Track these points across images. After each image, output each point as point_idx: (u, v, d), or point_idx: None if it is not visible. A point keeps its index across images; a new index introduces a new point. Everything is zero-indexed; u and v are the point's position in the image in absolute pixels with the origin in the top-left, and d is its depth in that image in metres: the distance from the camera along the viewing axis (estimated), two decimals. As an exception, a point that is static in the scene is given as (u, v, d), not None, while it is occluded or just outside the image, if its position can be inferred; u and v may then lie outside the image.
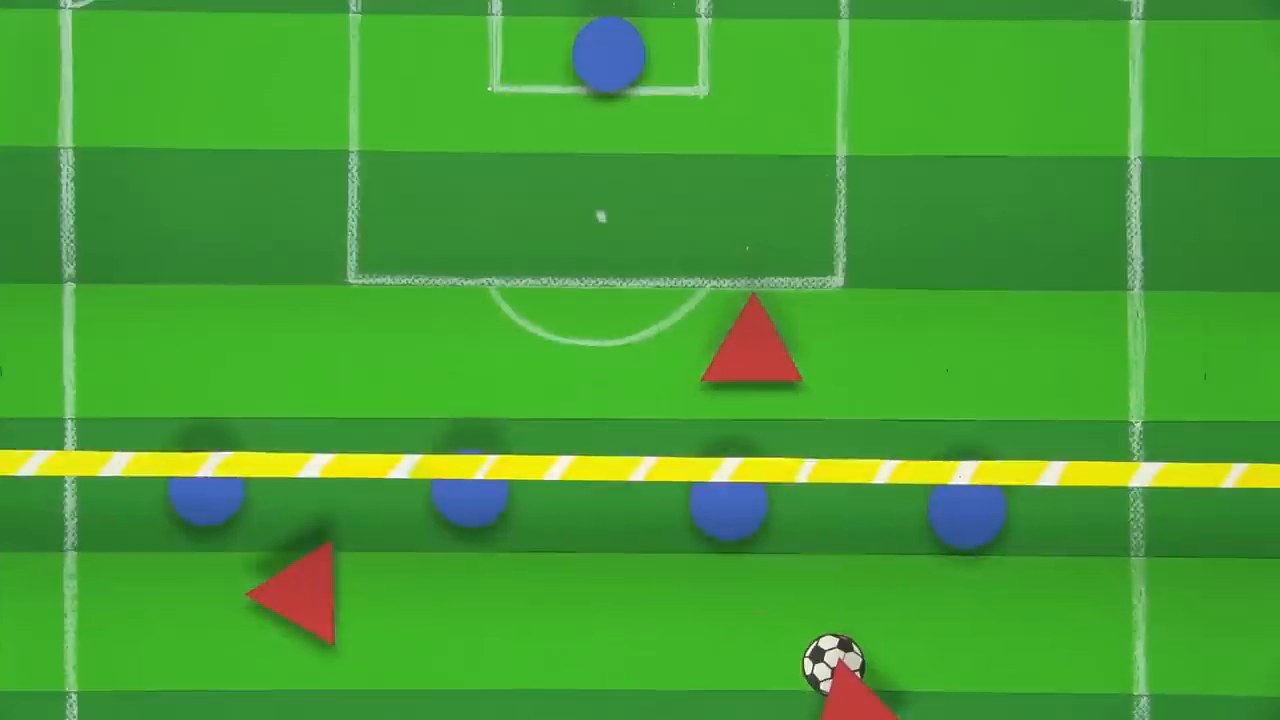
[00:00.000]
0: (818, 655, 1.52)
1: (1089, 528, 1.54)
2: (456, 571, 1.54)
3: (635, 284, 1.54)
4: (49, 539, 1.54)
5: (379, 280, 1.54)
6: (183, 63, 1.53)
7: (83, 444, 1.53)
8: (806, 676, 1.52)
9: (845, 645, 1.48)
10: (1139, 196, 1.54)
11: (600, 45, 1.53)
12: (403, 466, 1.43)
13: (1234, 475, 1.41)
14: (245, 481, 1.53)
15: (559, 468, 1.44)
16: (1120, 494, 1.54)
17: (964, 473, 1.42)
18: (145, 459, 1.43)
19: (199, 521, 1.53)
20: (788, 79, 1.54)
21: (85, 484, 1.54)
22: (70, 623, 1.54)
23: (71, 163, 1.53)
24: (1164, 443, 1.54)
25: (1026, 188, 1.54)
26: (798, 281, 1.54)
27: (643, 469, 1.44)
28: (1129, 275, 1.54)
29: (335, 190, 1.54)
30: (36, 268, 1.53)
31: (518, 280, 1.54)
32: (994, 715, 1.54)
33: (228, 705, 1.53)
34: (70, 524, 1.54)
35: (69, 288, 1.53)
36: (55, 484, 1.54)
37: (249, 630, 1.54)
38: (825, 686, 1.51)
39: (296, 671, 1.54)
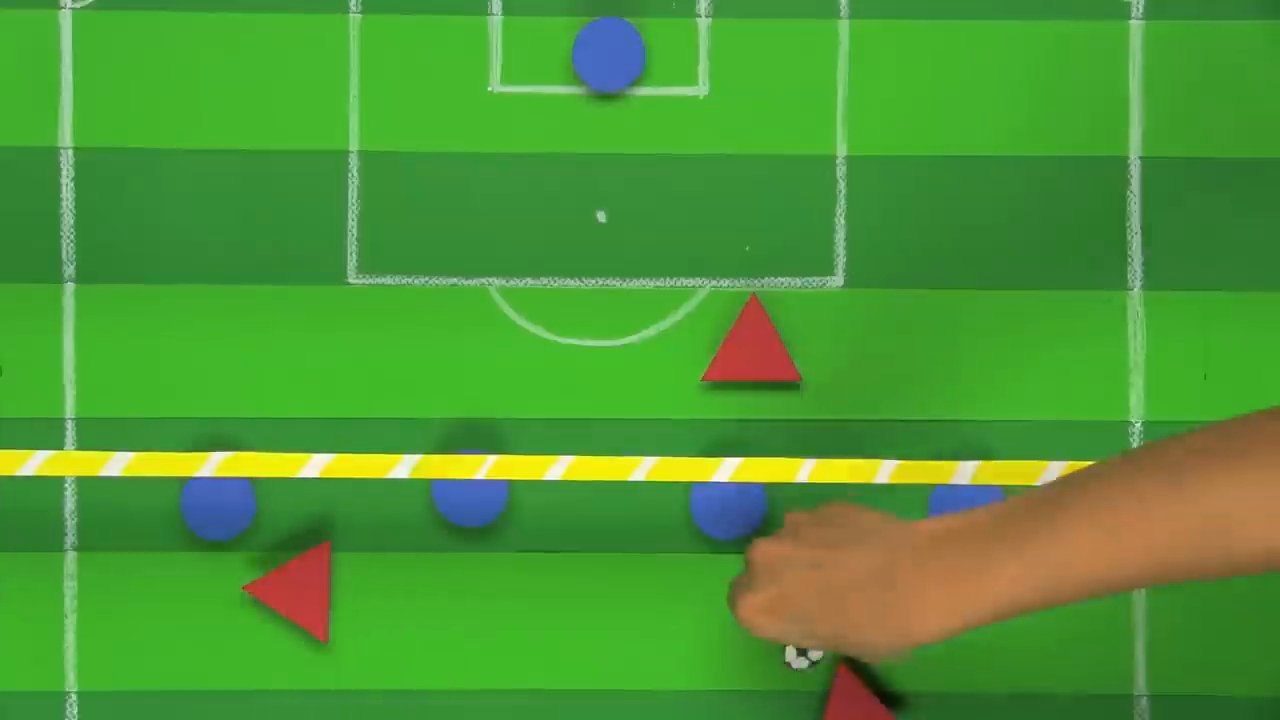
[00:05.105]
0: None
1: (1089, 528, 1.54)
2: (456, 571, 1.54)
3: (635, 284, 1.54)
4: (49, 539, 1.54)
5: (379, 280, 1.54)
6: (183, 63, 1.53)
7: (83, 444, 1.53)
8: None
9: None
10: (1139, 196, 1.54)
11: (600, 45, 1.53)
12: (403, 466, 1.43)
13: (1234, 475, 1.41)
14: (257, 496, 1.53)
15: (559, 468, 1.44)
16: (1120, 494, 1.54)
17: (964, 473, 1.42)
18: (145, 459, 1.43)
19: (208, 536, 1.53)
20: (788, 79, 1.54)
21: (85, 484, 1.54)
22: (70, 623, 1.54)
23: (71, 163, 1.53)
24: (1164, 443, 1.54)
25: (1026, 188, 1.54)
26: (798, 281, 1.54)
27: (643, 469, 1.44)
28: (1129, 275, 1.54)
29: (335, 190, 1.54)
30: (36, 268, 1.53)
31: (518, 280, 1.54)
32: (994, 715, 1.54)
33: (229, 705, 1.53)
34: (70, 524, 1.54)
35: (69, 288, 1.53)
36: (55, 484, 1.54)
37: (251, 630, 1.54)
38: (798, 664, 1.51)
39: (297, 672, 1.54)
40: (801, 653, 1.50)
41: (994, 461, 1.43)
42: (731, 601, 1.23)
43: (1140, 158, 1.54)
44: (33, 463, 1.43)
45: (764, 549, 1.22)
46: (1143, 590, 1.54)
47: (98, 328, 1.53)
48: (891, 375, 1.54)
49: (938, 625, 1.14)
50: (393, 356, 1.54)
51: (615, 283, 1.54)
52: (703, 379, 1.54)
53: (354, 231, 1.54)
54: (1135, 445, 1.54)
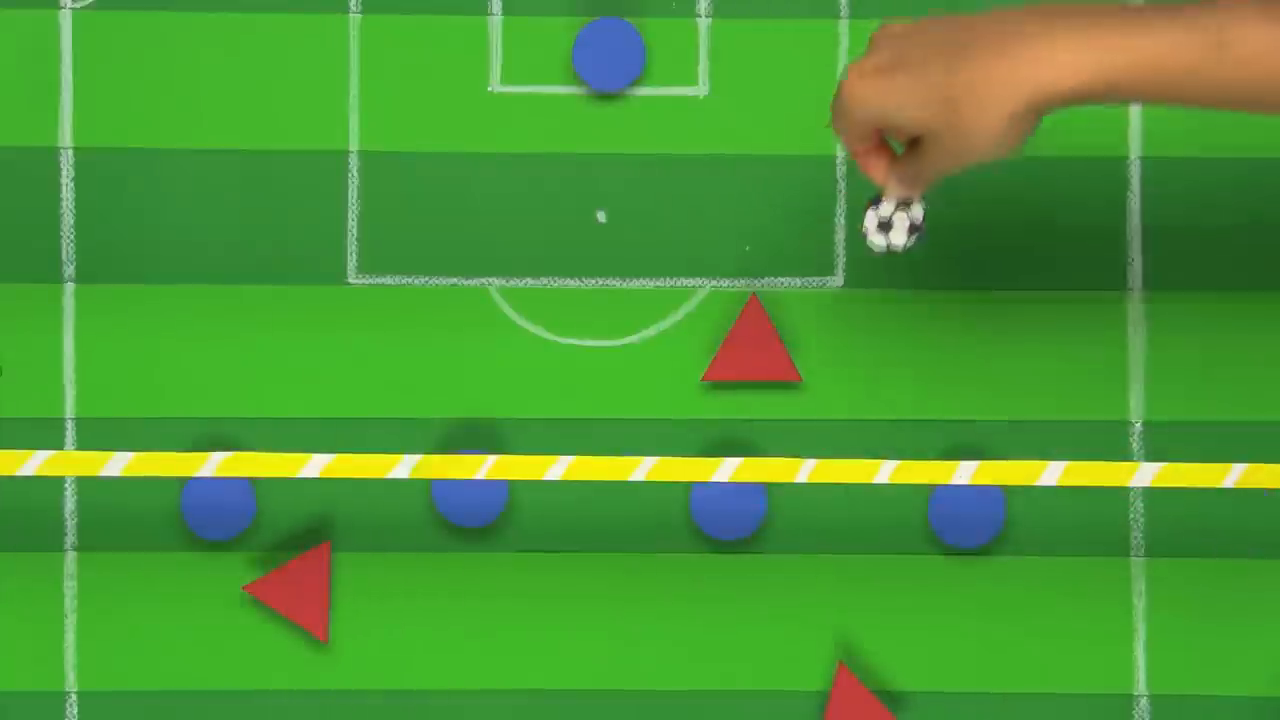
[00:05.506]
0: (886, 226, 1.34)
1: (1089, 528, 1.54)
2: (456, 571, 1.54)
3: (635, 284, 1.54)
4: (49, 539, 1.54)
5: (379, 280, 1.54)
6: (183, 63, 1.53)
7: (82, 444, 1.53)
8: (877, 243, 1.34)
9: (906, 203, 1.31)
10: (1139, 196, 1.54)
11: (600, 45, 1.53)
12: (403, 466, 1.43)
13: (1234, 475, 1.41)
14: (256, 496, 1.53)
15: (559, 468, 1.44)
16: (1120, 494, 1.54)
17: (964, 473, 1.42)
18: (145, 459, 1.43)
19: (208, 536, 1.53)
20: (788, 79, 1.54)
21: (85, 484, 1.54)
22: (70, 623, 1.54)
23: (71, 163, 1.53)
24: (1164, 443, 1.54)
25: (1026, 188, 1.54)
26: (798, 281, 1.54)
27: (643, 469, 1.44)
28: (1129, 275, 1.54)
29: (335, 190, 1.54)
30: (36, 268, 1.53)
31: (518, 280, 1.54)
32: (994, 715, 1.54)
33: (229, 705, 1.53)
34: (70, 524, 1.54)
35: (69, 288, 1.53)
36: (55, 484, 1.54)
37: (251, 630, 1.54)
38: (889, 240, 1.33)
39: (298, 672, 1.54)
40: (883, 227, 1.31)
41: (994, 461, 1.43)
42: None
43: (1140, 158, 1.54)
44: (33, 463, 1.43)
45: (891, 26, 1.20)
46: (1143, 590, 1.54)
47: (98, 328, 1.53)
48: (891, 375, 1.54)
49: (1062, 65, 1.13)
50: (393, 356, 1.54)
51: (615, 283, 1.54)
52: (703, 379, 1.54)
53: (354, 231, 1.54)
54: (1135, 445, 1.54)
